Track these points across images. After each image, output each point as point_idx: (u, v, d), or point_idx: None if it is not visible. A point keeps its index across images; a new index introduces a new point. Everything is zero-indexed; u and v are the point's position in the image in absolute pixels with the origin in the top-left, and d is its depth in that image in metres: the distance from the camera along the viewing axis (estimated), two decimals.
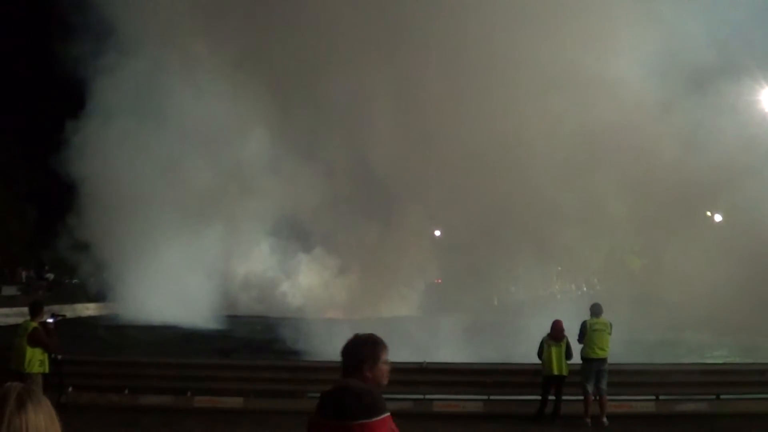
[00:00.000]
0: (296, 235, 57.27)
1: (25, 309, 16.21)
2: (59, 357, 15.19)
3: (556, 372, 17.84)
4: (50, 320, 15.26)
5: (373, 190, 50.96)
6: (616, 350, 19.26)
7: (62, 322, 15.91)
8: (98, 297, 54.48)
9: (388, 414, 2.89)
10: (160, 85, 50.92)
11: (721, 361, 28.67)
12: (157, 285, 48.82)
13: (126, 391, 19.45)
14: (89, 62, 49.84)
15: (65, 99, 52.26)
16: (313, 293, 54.70)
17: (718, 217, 44.11)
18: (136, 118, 51.20)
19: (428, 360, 20.48)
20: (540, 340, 18.34)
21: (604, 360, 17.68)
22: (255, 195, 52.82)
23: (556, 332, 18.07)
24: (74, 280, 66.53)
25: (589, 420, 17.43)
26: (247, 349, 31.30)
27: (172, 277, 49.98)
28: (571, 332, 18.14)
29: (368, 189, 50.93)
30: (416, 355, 23.37)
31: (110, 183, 50.19)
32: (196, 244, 51.20)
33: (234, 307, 52.84)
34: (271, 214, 55.01)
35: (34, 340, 14.93)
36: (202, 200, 51.22)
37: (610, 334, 17.96)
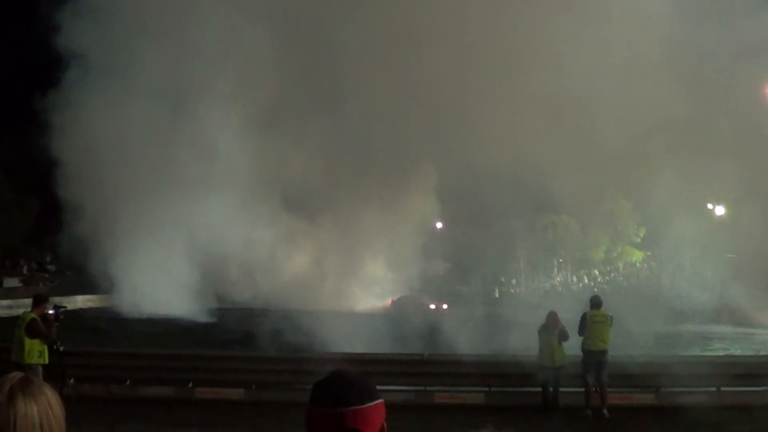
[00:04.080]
0: (293, 217, 56.29)
1: (27, 301, 16.28)
2: (61, 348, 15.20)
3: (547, 363, 17.90)
4: (51, 311, 15.28)
5: (374, 175, 50.67)
6: (619, 342, 19.31)
7: (64, 313, 15.91)
8: (100, 288, 54.43)
9: (382, 401, 2.89)
10: (156, 62, 50.49)
11: (722, 353, 28.77)
12: (158, 277, 48.85)
13: (127, 383, 19.49)
14: (81, 45, 49.59)
15: (64, 87, 51.73)
16: (308, 283, 53.50)
17: (720, 210, 44.00)
18: (131, 98, 50.66)
19: (429, 352, 20.53)
20: (535, 332, 18.46)
21: (604, 352, 17.71)
22: (247, 175, 51.80)
23: (551, 323, 18.12)
24: (75, 272, 66.48)
25: (589, 412, 17.49)
26: (249, 340, 31.29)
27: (173, 268, 49.96)
28: (573, 324, 18.18)
29: (369, 175, 50.60)
30: (417, 347, 23.46)
31: (110, 173, 49.99)
32: (195, 232, 50.70)
33: (234, 299, 52.63)
34: (272, 196, 53.93)
35: (32, 331, 14.97)
36: (196, 185, 50.72)
37: (610, 326, 17.99)
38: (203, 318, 44.39)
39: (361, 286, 55.24)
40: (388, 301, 56.38)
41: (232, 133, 49.52)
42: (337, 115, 48.17)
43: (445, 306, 52.72)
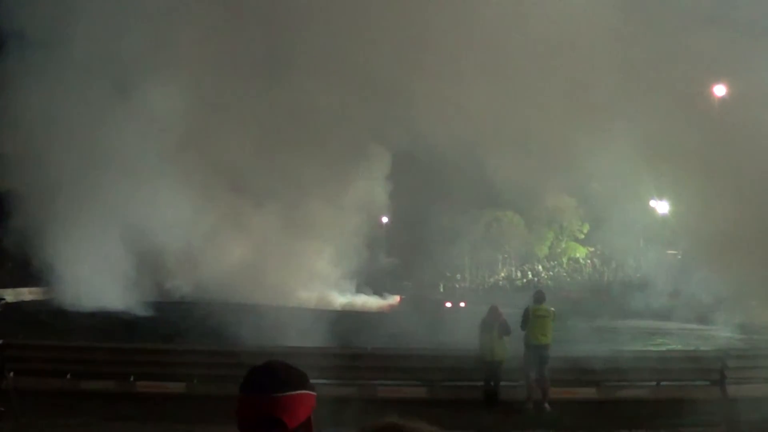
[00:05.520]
0: (236, 203, 54.69)
1: None
2: (0, 341, 15.01)
3: (488, 358, 17.99)
4: None
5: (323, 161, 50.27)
6: (561, 337, 19.44)
7: (4, 305, 15.74)
8: (42, 281, 53.64)
9: (307, 392, 2.87)
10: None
11: (663, 349, 29.13)
12: (98, 269, 48.29)
13: (68, 376, 19.27)
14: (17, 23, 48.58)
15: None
16: (244, 275, 52.21)
17: (663, 207, 44.21)
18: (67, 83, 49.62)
19: (372, 346, 20.54)
20: (477, 326, 18.54)
21: (546, 346, 17.80)
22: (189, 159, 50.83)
23: (492, 317, 18.22)
24: (17, 264, 65.48)
25: (531, 405, 17.58)
26: (191, 334, 31.08)
27: (113, 260, 49.36)
28: (515, 319, 18.29)
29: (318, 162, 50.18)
30: (361, 341, 23.44)
31: (50, 160, 48.98)
32: (134, 221, 49.58)
33: (174, 291, 52.07)
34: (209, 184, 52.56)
35: None
36: (137, 169, 49.78)
37: (553, 321, 18.11)
38: (144, 311, 43.94)
39: (307, 279, 54.62)
40: (396, 299, 55.49)
41: (171, 115, 48.57)
42: (285, 96, 47.72)
43: (462, 304, 51.68)
